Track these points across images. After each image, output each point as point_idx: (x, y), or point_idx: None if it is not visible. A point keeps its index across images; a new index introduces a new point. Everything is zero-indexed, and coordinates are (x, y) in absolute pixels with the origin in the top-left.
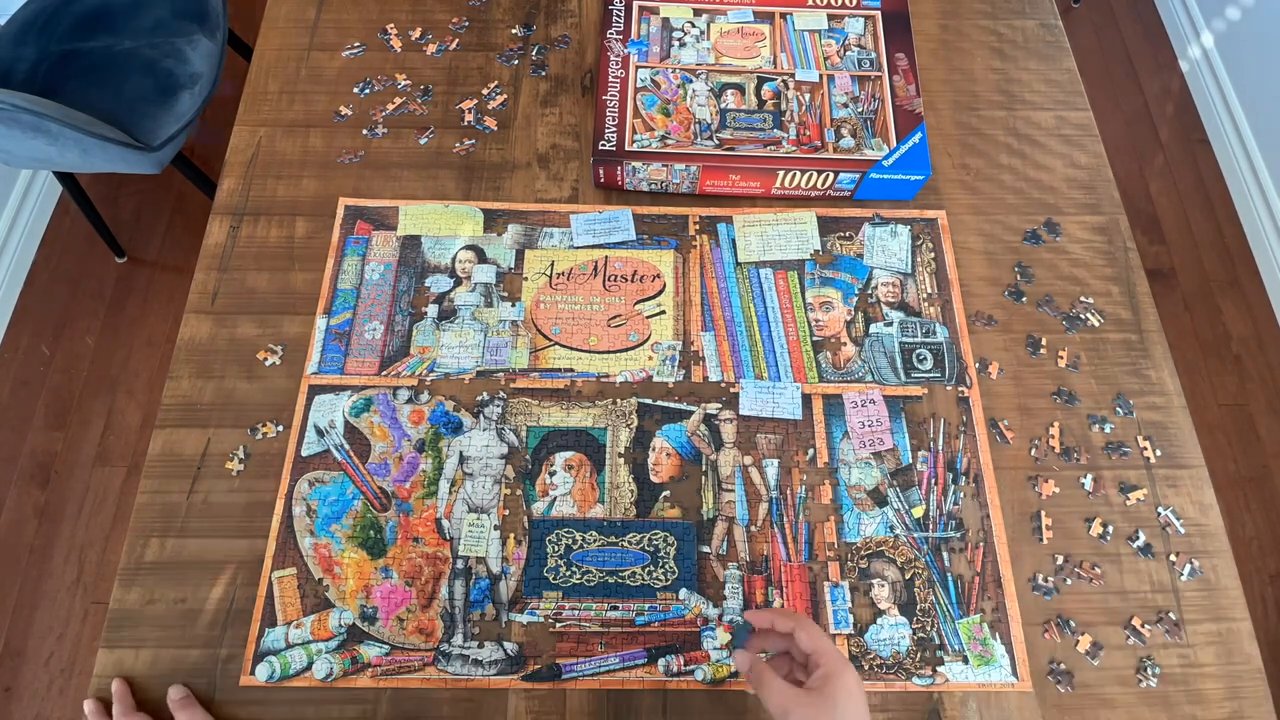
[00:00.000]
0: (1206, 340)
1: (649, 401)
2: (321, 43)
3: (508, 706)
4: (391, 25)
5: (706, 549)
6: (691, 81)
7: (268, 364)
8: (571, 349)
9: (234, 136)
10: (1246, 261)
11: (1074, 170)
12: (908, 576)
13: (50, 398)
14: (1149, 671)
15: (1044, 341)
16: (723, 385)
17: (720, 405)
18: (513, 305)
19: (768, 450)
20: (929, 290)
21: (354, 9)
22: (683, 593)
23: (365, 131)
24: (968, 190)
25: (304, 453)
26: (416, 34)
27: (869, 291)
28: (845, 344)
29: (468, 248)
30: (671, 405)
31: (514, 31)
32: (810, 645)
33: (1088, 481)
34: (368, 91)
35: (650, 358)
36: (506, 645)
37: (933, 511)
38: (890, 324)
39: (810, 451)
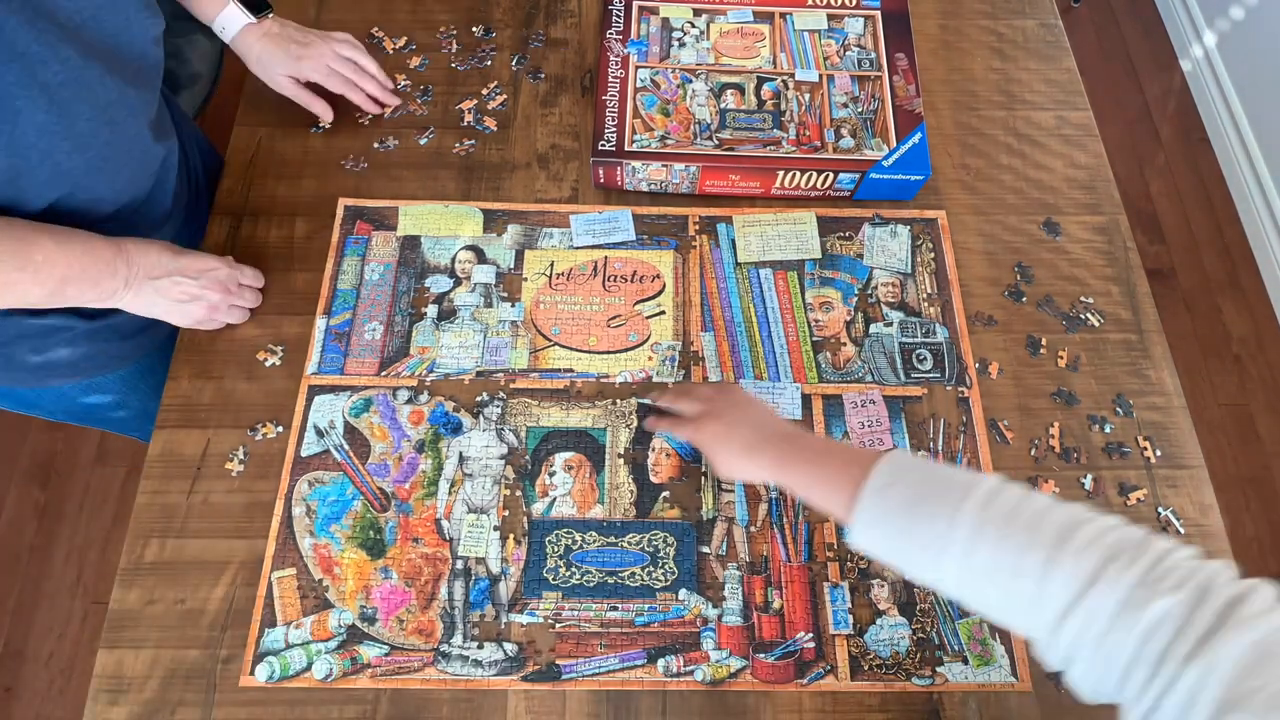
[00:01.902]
0: (1206, 340)
1: (649, 402)
2: None
3: (507, 707)
4: (386, 29)
5: (706, 549)
6: (691, 81)
7: (267, 364)
8: (571, 349)
9: (234, 136)
10: (1246, 261)
11: (1074, 170)
12: None
13: None
14: None
15: (1044, 342)
16: None
17: None
18: (512, 305)
19: None
20: (929, 290)
21: (354, 9)
22: (682, 593)
23: (376, 144)
24: (968, 190)
25: (304, 453)
26: (408, 41)
27: (869, 292)
28: (845, 344)
29: (467, 248)
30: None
31: (513, 32)
32: (686, 400)
33: (1088, 481)
34: None
35: (650, 358)
36: (506, 646)
37: None
38: (890, 324)
39: None
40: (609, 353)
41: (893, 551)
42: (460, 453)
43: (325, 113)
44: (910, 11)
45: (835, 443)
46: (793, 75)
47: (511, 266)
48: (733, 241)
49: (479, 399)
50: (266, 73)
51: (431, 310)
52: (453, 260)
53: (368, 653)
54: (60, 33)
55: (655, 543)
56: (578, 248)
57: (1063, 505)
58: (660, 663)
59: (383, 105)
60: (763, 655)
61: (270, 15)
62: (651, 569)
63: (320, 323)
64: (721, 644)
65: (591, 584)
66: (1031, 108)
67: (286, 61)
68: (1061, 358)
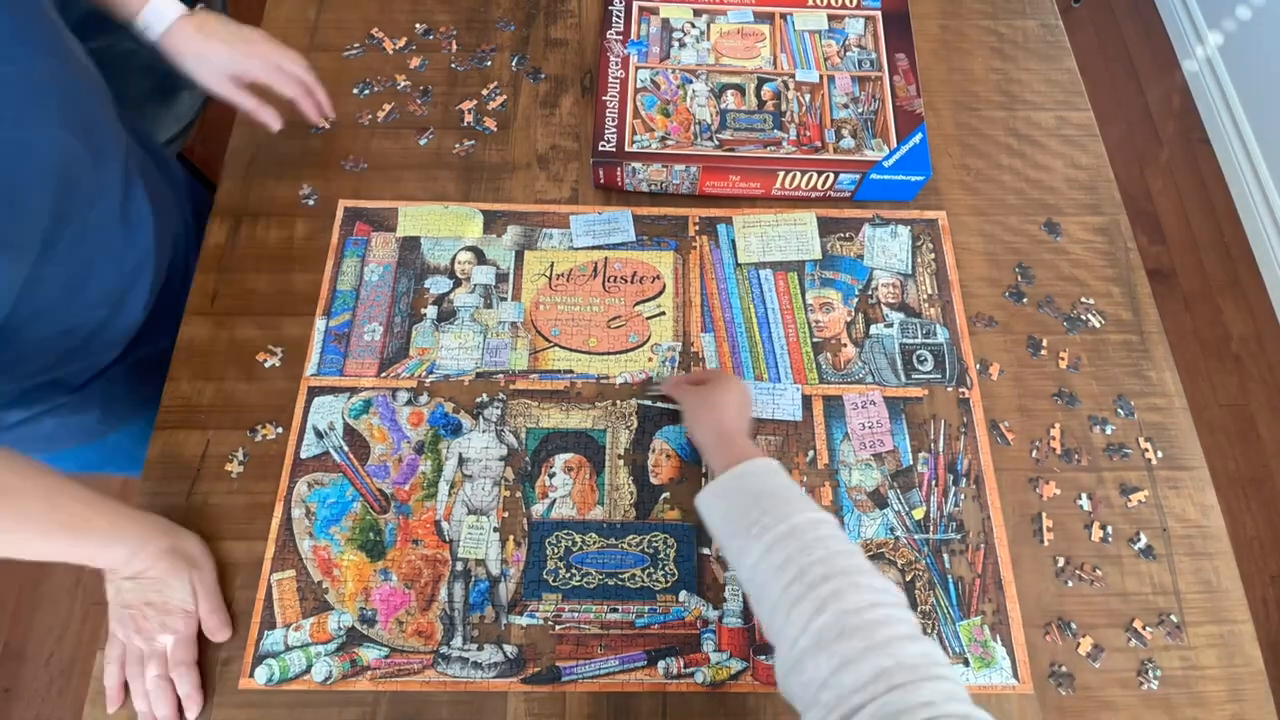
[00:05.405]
0: (1207, 340)
1: (649, 403)
2: (321, 43)
3: (507, 709)
4: (386, 29)
5: (706, 551)
6: (691, 82)
7: (267, 365)
8: (571, 350)
9: (234, 136)
10: (1246, 261)
11: (1074, 170)
12: (908, 578)
13: None
14: (1150, 674)
15: (1045, 342)
16: None
17: None
18: (512, 306)
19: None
20: (929, 291)
21: (354, 9)
22: (682, 595)
23: (376, 145)
24: (968, 191)
25: (303, 455)
26: (421, 28)
27: (869, 292)
28: (845, 345)
29: (467, 249)
30: (672, 407)
31: (513, 32)
32: (703, 373)
33: (1085, 503)
34: (367, 92)
35: (650, 359)
36: (506, 648)
37: (933, 513)
38: (890, 325)
39: (810, 453)
40: (609, 354)
41: (719, 525)
42: (460, 454)
43: (275, 121)
44: (910, 12)
45: (750, 445)
46: (793, 76)
47: (511, 267)
48: (733, 242)
49: (479, 400)
50: (206, 71)
51: (431, 311)
52: (452, 261)
53: (367, 655)
54: None
55: (655, 544)
56: (578, 248)
57: (864, 579)
58: (660, 664)
59: (326, 118)
60: (763, 657)
61: (201, 5)
62: (651, 570)
63: (320, 324)
64: (722, 646)
65: (591, 586)
66: (1032, 108)
67: (233, 58)
68: (1062, 358)
